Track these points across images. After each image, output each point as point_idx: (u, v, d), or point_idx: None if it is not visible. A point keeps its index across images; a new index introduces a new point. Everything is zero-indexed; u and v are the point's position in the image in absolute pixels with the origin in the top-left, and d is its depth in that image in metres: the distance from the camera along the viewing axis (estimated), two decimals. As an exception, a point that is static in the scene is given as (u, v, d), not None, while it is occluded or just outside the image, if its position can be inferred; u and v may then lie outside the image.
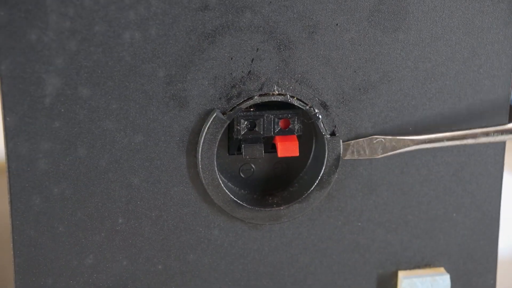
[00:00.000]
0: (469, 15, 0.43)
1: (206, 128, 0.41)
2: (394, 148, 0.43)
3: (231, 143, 0.43)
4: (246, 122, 0.42)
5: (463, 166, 0.45)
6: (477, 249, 0.47)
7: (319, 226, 0.44)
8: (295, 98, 0.42)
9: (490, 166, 0.45)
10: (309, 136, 0.44)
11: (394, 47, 0.42)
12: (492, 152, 0.45)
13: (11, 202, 0.40)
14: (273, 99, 0.41)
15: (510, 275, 0.64)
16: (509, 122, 0.44)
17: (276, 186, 0.45)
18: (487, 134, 0.43)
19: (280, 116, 0.42)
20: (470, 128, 0.43)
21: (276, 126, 0.42)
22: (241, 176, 0.44)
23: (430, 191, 0.45)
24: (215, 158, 0.41)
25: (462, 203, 0.46)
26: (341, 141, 0.43)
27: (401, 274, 0.46)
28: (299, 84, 0.42)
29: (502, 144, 0.45)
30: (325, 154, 0.43)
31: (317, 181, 0.43)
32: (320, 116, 0.42)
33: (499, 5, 0.43)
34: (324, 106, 0.42)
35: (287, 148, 0.42)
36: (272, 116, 0.42)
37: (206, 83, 0.40)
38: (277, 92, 0.41)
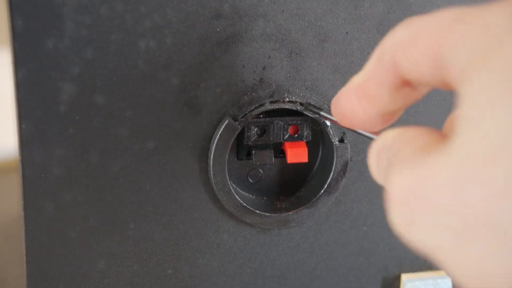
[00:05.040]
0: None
1: (218, 134, 0.41)
2: None
3: (240, 148, 0.43)
4: (256, 129, 0.42)
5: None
6: (478, 252, 0.47)
7: (325, 230, 0.45)
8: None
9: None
10: (316, 141, 0.45)
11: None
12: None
13: (24, 208, 0.40)
14: (284, 106, 0.42)
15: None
16: None
17: (283, 190, 0.45)
18: None
19: (289, 122, 0.43)
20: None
21: (285, 132, 0.43)
22: (249, 181, 0.45)
23: (433, 196, 0.46)
24: (226, 164, 0.42)
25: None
26: (349, 147, 0.43)
27: (404, 277, 0.47)
28: (310, 91, 0.42)
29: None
30: (333, 160, 0.43)
31: (325, 187, 0.44)
32: (329, 123, 0.43)
33: None
34: (333, 113, 0.43)
35: (296, 154, 0.43)
36: (282, 123, 0.42)
37: (219, 90, 0.41)
38: (287, 99, 0.42)
